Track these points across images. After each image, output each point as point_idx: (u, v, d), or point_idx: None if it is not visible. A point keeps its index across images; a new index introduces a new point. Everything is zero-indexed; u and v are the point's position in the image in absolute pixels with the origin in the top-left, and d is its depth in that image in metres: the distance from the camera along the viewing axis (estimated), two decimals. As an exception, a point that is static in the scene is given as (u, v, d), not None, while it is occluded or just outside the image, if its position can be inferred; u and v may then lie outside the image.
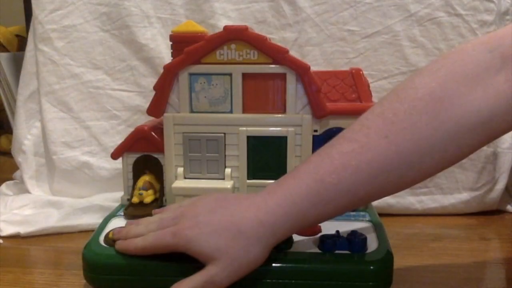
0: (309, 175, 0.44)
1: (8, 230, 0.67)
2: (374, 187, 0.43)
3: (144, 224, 0.49)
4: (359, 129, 0.44)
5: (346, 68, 0.66)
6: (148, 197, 0.59)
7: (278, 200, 0.44)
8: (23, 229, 0.67)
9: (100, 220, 0.57)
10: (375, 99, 0.60)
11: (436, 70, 0.44)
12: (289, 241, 0.49)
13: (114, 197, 0.72)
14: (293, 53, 0.62)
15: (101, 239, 0.52)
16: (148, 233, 0.47)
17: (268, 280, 0.47)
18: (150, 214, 0.56)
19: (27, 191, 0.79)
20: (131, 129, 0.62)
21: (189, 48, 0.57)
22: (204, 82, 0.58)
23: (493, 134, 0.43)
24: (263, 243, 0.44)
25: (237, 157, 0.59)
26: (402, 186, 0.45)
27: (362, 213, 0.58)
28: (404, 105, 0.43)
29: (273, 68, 0.56)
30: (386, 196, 0.46)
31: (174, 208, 0.50)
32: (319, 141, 0.58)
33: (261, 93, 0.58)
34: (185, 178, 0.60)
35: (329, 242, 0.48)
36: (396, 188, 0.45)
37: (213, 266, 0.43)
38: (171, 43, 0.60)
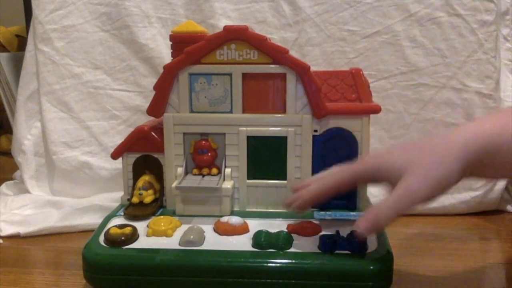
0: None
1: (8, 230, 0.67)
2: None
3: None
4: None
5: (346, 68, 0.65)
6: (148, 197, 0.59)
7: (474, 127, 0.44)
8: (23, 229, 0.67)
9: (100, 220, 0.57)
10: (375, 99, 0.60)
11: None
12: (289, 241, 0.49)
13: (114, 197, 0.72)
14: (293, 53, 0.62)
15: (101, 239, 0.52)
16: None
17: (268, 280, 0.47)
18: (150, 214, 0.57)
19: (27, 191, 0.79)
20: (131, 129, 0.62)
21: (189, 48, 0.56)
22: (204, 82, 0.58)
23: None
24: (453, 160, 0.43)
25: (237, 157, 0.59)
26: None
27: (362, 213, 0.58)
28: None
29: (273, 68, 0.56)
30: None
31: None
32: (319, 141, 0.58)
33: (261, 93, 0.58)
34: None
35: (329, 242, 0.48)
36: None
37: (410, 176, 0.43)
38: (171, 43, 0.60)
